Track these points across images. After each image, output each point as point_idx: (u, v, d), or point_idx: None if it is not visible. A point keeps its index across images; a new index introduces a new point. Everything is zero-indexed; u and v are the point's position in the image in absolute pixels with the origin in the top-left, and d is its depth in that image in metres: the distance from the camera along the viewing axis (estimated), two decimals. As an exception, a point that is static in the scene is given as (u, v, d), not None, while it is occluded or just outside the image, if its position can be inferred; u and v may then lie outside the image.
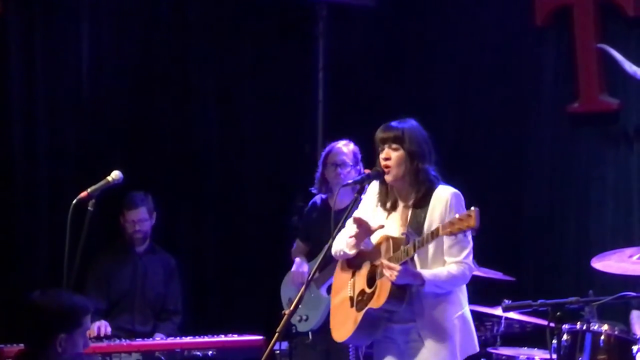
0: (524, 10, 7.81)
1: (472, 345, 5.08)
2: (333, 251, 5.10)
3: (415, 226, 4.96)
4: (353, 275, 5.15)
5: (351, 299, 5.10)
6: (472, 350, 5.09)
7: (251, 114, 8.38)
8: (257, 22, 8.34)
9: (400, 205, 5.08)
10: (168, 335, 6.76)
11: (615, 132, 7.50)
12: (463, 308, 5.08)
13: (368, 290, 5.00)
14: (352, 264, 5.16)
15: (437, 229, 4.77)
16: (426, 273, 4.89)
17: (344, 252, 5.09)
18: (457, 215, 4.71)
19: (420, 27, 8.32)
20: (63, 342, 4.13)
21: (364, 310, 4.98)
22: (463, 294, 5.09)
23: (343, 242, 5.07)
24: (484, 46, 8.00)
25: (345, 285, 5.16)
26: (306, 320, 6.63)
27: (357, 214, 5.04)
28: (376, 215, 5.11)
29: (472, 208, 4.65)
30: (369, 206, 5.13)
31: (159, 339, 6.67)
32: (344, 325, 5.11)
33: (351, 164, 6.59)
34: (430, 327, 4.96)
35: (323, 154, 6.72)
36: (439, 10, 8.23)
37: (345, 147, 6.64)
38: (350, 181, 5.29)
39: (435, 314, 4.97)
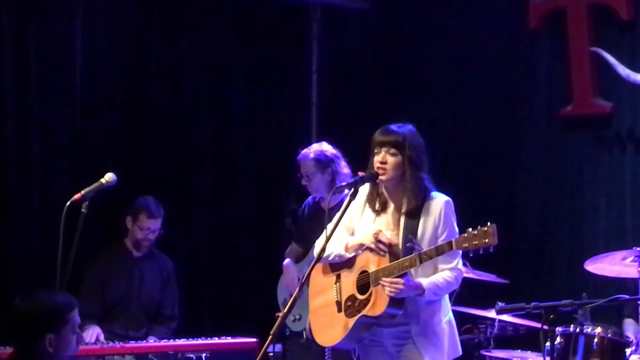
0: (517, 14, 7.82)
1: (457, 349, 5.12)
2: (326, 254, 5.07)
3: (409, 233, 4.96)
4: (338, 278, 5.13)
5: (338, 303, 5.08)
6: (457, 354, 5.12)
7: (245, 116, 8.38)
8: (251, 24, 8.34)
9: (390, 208, 5.07)
10: (161, 339, 6.73)
11: (609, 135, 7.51)
12: (449, 313, 5.12)
13: (360, 297, 4.99)
14: (336, 266, 5.14)
15: (449, 243, 4.78)
16: (425, 282, 4.89)
17: (341, 255, 5.07)
18: (470, 230, 4.71)
19: (414, 30, 8.33)
20: (53, 342, 4.11)
21: (356, 317, 4.97)
22: (447, 299, 5.13)
23: (338, 246, 5.06)
24: (478, 49, 8.01)
25: (329, 289, 5.14)
26: (299, 319, 6.62)
27: (346, 214, 5.02)
28: (364, 217, 5.11)
29: (489, 224, 4.65)
30: (358, 206, 5.12)
31: (152, 342, 6.66)
32: (331, 330, 5.09)
33: (312, 172, 6.55)
34: (424, 332, 4.97)
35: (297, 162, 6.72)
36: (433, 13, 8.23)
37: (306, 157, 6.59)
38: (343, 183, 5.29)
39: (429, 319, 4.99)
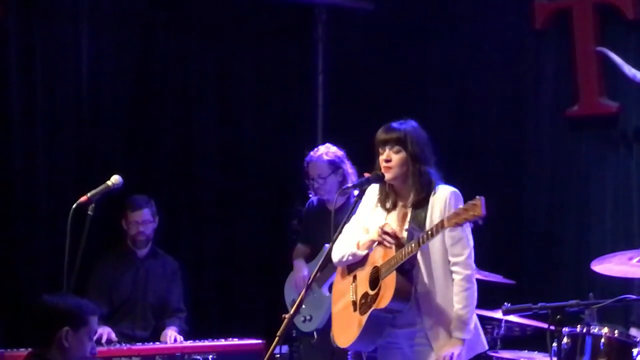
0: (523, 14, 7.81)
1: (479, 344, 5.09)
2: (337, 257, 5.08)
3: (416, 225, 4.97)
4: (354, 279, 5.14)
5: (354, 303, 5.09)
6: (480, 349, 5.10)
7: (251, 118, 8.39)
8: (257, 25, 8.35)
9: (399, 204, 5.09)
10: (180, 330, 6.78)
11: (615, 135, 7.50)
12: None
13: (371, 292, 4.99)
14: (352, 267, 5.15)
15: (441, 222, 4.76)
16: (458, 332, 4.92)
17: (354, 254, 5.07)
18: (461, 206, 4.72)
19: (419, 30, 8.32)
20: (69, 337, 4.14)
21: (368, 313, 4.97)
22: None
23: (349, 246, 5.07)
24: (484, 49, 8.00)
25: (347, 291, 5.15)
26: (310, 320, 6.63)
27: (356, 215, 5.04)
28: (375, 216, 5.12)
29: (477, 197, 4.63)
30: (368, 207, 5.14)
31: (172, 331, 6.71)
32: (347, 330, 5.09)
33: (326, 174, 6.57)
34: (438, 329, 4.96)
35: (304, 164, 6.71)
36: (438, 13, 8.23)
37: (319, 159, 6.61)
38: (350, 184, 5.30)
39: (443, 315, 4.97)
